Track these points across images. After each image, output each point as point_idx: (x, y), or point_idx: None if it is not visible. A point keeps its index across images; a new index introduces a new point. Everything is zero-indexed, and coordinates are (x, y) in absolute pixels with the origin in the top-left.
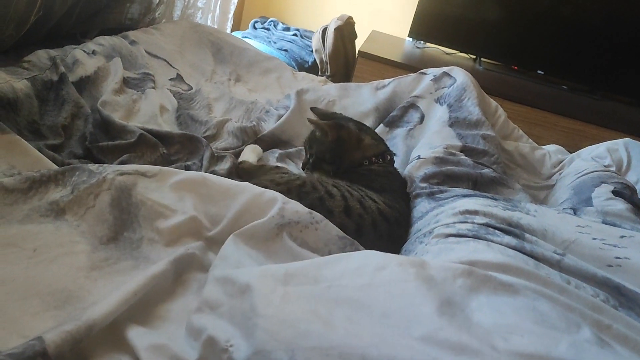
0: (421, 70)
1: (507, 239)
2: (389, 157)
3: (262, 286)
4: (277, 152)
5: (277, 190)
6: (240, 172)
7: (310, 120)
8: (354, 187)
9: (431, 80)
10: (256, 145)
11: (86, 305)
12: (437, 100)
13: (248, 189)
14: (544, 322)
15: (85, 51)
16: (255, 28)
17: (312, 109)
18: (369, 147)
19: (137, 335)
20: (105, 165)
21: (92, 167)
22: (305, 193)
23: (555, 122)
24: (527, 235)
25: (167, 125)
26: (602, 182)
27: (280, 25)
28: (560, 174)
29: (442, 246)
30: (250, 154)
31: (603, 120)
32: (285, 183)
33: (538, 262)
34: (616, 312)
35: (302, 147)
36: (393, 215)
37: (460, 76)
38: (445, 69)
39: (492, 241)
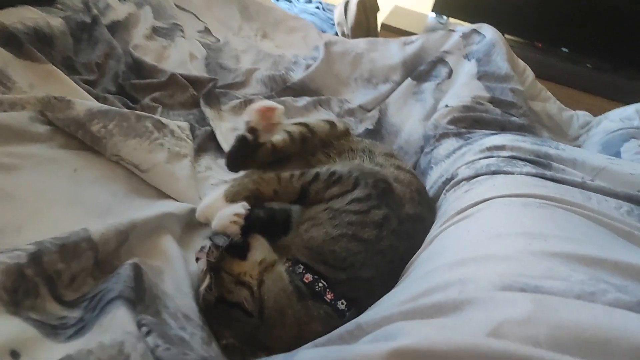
0: (450, 28)
1: (527, 168)
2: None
3: None
4: (306, 99)
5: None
6: None
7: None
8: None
9: (460, 36)
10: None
11: (127, 217)
12: (466, 56)
13: None
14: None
15: None
16: (277, 0)
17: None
18: None
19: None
20: None
21: None
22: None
23: (579, 99)
24: (554, 164)
25: (196, 71)
26: (632, 138)
27: None
28: (587, 134)
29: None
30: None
31: (628, 98)
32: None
33: (558, 183)
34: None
35: (331, 96)
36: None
37: (490, 33)
38: (474, 26)
39: (511, 173)
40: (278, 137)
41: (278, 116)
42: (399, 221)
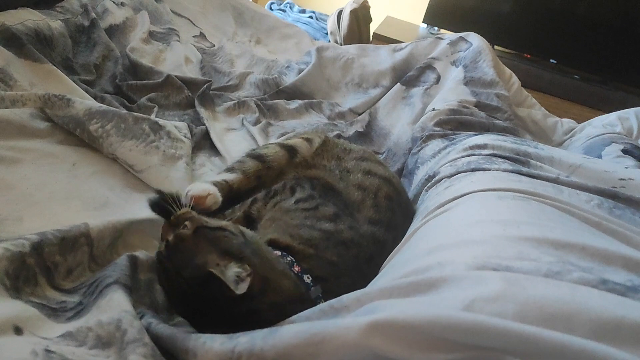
0: (437, 35)
1: (505, 165)
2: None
3: None
4: (297, 102)
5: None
6: None
7: None
8: None
9: (447, 44)
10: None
11: (124, 211)
12: (453, 63)
13: None
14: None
15: (114, 2)
16: (271, 9)
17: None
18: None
19: None
20: None
21: None
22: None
23: (566, 109)
24: (532, 161)
25: (191, 74)
26: (612, 142)
27: (296, 8)
28: (570, 140)
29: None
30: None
31: (614, 108)
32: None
33: (532, 178)
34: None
35: (323, 100)
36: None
37: (476, 41)
38: (461, 34)
39: (488, 169)
40: (232, 177)
41: (211, 202)
42: (352, 219)
